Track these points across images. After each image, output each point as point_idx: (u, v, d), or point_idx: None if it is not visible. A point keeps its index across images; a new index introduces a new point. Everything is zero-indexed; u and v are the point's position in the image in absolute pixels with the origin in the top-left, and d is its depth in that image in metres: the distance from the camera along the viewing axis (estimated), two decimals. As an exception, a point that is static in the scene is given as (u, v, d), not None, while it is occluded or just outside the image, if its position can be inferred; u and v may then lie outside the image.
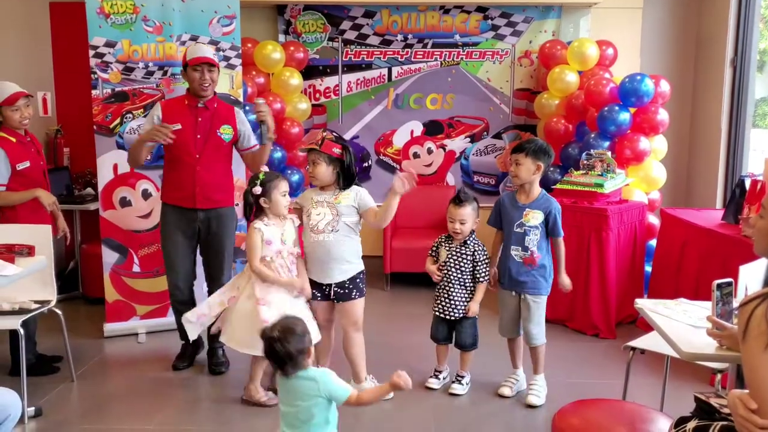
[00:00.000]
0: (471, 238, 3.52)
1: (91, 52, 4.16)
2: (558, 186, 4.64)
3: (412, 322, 4.37)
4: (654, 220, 4.97)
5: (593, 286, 4.42)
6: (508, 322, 3.56)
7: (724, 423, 1.77)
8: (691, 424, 1.84)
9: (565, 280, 3.56)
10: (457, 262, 3.51)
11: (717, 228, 4.00)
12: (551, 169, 5.24)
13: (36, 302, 3.45)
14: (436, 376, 3.67)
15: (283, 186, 3.35)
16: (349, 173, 3.33)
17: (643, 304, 2.40)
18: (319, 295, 3.41)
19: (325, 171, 3.30)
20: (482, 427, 3.23)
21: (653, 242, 4.82)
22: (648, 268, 4.75)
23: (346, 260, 3.36)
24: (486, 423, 3.27)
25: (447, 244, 3.56)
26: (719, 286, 2.02)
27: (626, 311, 4.59)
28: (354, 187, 3.37)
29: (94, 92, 4.23)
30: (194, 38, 4.29)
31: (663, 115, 4.91)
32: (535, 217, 3.41)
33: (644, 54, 5.69)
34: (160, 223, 3.79)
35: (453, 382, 3.62)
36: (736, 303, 2.30)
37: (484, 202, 5.86)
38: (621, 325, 4.54)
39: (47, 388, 3.56)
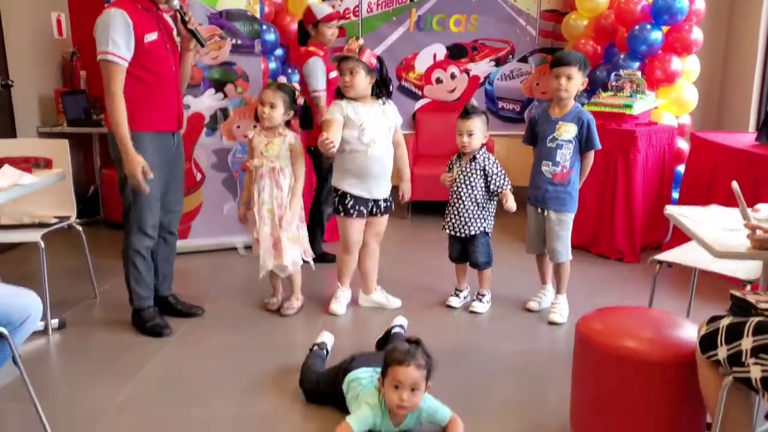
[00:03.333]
0: (480, 153, 3.43)
1: (104, -33, 4.04)
2: (585, 108, 4.48)
3: (433, 247, 4.33)
4: (683, 144, 4.82)
5: (619, 210, 4.33)
6: (534, 238, 3.51)
7: (761, 318, 1.71)
8: (726, 321, 1.77)
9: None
10: (467, 178, 3.43)
11: (750, 148, 3.87)
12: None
13: (56, 217, 3.46)
14: (457, 295, 3.64)
15: (267, 96, 3.27)
16: (385, 85, 3.31)
17: (673, 210, 2.32)
18: (365, 211, 3.38)
19: (362, 80, 3.24)
20: (502, 341, 3.21)
21: (681, 168, 4.68)
22: (675, 195, 4.64)
23: (390, 173, 3.41)
24: (506, 338, 3.25)
25: (458, 162, 3.50)
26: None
27: (651, 236, 4.51)
28: (391, 102, 3.40)
29: (108, 9, 4.12)
30: (210, -49, 4.15)
31: (697, 34, 4.69)
32: (568, 131, 3.31)
33: (679, -29, 5.40)
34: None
35: (473, 300, 3.59)
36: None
37: (509, 129, 5.77)
38: (645, 251, 4.46)
39: (70, 303, 3.59)
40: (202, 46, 3.20)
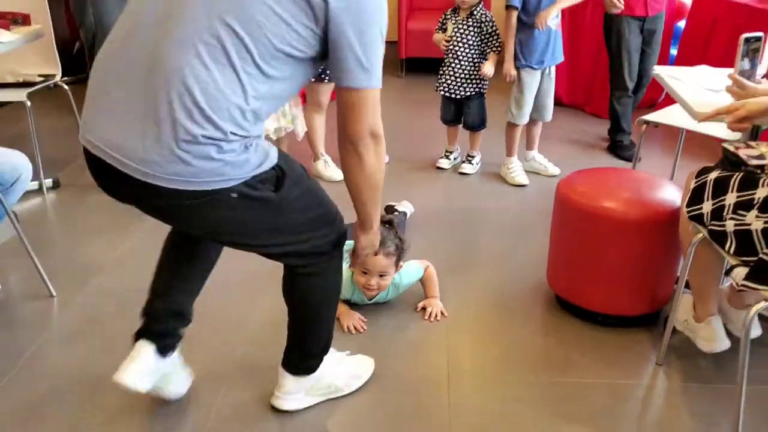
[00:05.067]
0: (478, 9, 3.32)
1: None
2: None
3: (426, 107, 4.29)
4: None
5: (614, 67, 4.24)
6: (530, 104, 3.37)
7: (747, 174, 1.72)
8: (714, 174, 1.79)
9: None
10: (463, 35, 3.34)
11: (753, 3, 3.73)
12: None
13: (40, 76, 3.40)
14: (447, 157, 3.66)
15: None
16: None
17: (661, 70, 2.29)
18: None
19: None
20: (489, 201, 3.28)
21: (682, 24, 4.53)
22: (673, 52, 4.53)
23: None
24: (493, 198, 3.32)
25: (453, 17, 3.38)
26: (747, 40, 1.88)
27: (646, 94, 4.44)
28: None
29: None
30: None
31: None
32: None
33: None
34: None
35: (463, 162, 3.62)
36: (762, 67, 2.17)
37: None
38: (639, 109, 4.42)
39: (62, 162, 3.61)
40: None
